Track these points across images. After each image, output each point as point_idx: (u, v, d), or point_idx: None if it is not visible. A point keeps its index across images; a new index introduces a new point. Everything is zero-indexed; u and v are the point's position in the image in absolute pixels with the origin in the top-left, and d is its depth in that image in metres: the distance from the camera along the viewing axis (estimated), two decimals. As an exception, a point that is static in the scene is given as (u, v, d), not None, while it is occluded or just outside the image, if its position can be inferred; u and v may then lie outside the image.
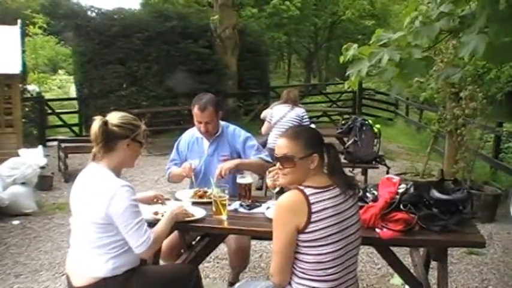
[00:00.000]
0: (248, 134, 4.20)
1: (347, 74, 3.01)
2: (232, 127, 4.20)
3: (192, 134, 4.20)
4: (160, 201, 3.47)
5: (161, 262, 3.60)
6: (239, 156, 4.08)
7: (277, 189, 3.26)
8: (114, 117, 2.90)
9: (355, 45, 3.02)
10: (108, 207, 2.70)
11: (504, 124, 8.68)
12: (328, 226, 2.40)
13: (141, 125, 3.02)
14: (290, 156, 2.53)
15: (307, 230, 2.38)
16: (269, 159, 4.00)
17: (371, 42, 3.01)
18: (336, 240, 2.42)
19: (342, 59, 3.10)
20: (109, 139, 2.84)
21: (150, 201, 3.43)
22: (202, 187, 3.88)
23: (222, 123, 4.14)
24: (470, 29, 2.64)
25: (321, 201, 2.42)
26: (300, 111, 7.45)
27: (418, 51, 2.82)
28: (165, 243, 3.61)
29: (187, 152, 4.17)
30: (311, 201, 2.40)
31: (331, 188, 2.50)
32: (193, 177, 3.92)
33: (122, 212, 2.71)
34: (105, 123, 2.84)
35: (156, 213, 3.23)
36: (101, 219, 2.72)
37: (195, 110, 3.94)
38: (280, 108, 7.54)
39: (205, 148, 4.11)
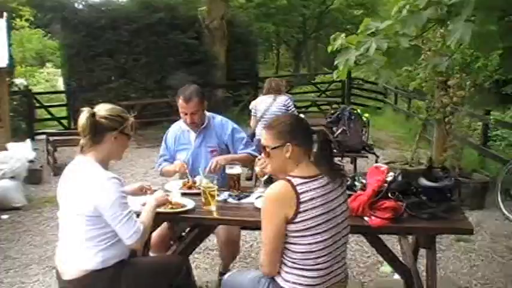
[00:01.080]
0: (235, 126, 4.20)
1: (335, 63, 3.02)
2: (219, 118, 4.20)
3: (178, 127, 4.19)
4: (148, 192, 3.44)
5: (151, 254, 3.60)
6: (226, 147, 4.09)
7: (265, 177, 3.30)
8: (102, 109, 2.88)
9: (343, 35, 3.03)
10: (96, 200, 2.70)
11: (492, 112, 8.72)
12: (317, 216, 2.41)
13: (130, 117, 3.00)
14: (264, 146, 2.60)
15: (295, 220, 2.38)
16: (256, 153, 4.02)
17: (359, 31, 3.02)
18: (325, 230, 2.43)
19: (329, 48, 3.10)
20: (96, 131, 2.82)
21: (137, 192, 3.41)
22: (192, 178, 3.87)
23: (208, 114, 4.13)
24: (458, 18, 2.64)
25: (309, 190, 2.42)
26: (283, 99, 7.43)
27: (405, 40, 2.84)
28: (155, 235, 3.62)
29: (174, 145, 4.16)
30: (299, 191, 2.40)
31: (320, 177, 2.50)
32: (188, 172, 3.89)
33: (110, 204, 2.70)
34: (93, 114, 2.82)
35: (144, 204, 3.20)
36: (89, 211, 2.72)
37: (180, 102, 3.93)
38: (263, 99, 7.53)
39: (191, 140, 4.10)
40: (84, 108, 2.86)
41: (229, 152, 4.10)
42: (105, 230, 2.77)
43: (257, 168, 3.16)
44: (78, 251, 2.79)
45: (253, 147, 4.22)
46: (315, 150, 2.52)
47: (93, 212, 2.72)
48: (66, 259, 2.87)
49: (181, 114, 4.01)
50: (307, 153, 2.56)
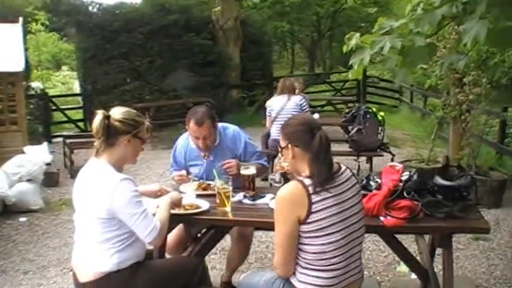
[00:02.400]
0: (247, 139, 4.10)
1: (350, 63, 3.01)
2: (230, 129, 4.07)
3: (186, 142, 4.07)
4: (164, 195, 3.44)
5: (167, 256, 3.61)
6: (239, 160, 4.00)
7: (278, 175, 3.34)
8: (117, 112, 2.90)
9: (358, 35, 3.02)
10: (111, 202, 2.71)
11: (509, 109, 8.63)
12: (330, 216, 2.40)
13: (145, 121, 3.02)
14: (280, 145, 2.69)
15: (308, 221, 2.38)
16: (268, 165, 4.02)
17: (373, 30, 3.01)
18: (339, 230, 2.42)
19: (344, 48, 3.10)
20: (110, 134, 2.84)
21: (154, 194, 3.39)
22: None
23: (219, 125, 3.98)
24: (472, 16, 2.63)
25: (321, 191, 2.41)
26: (297, 99, 7.42)
27: (420, 39, 2.82)
28: (171, 237, 3.62)
29: (186, 161, 4.07)
30: (310, 192, 2.40)
31: (334, 177, 2.49)
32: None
33: (125, 204, 2.72)
34: (107, 117, 2.83)
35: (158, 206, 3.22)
36: (103, 214, 2.74)
37: (191, 125, 3.78)
38: (278, 99, 7.52)
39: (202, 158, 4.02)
40: (98, 111, 2.87)
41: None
42: (120, 232, 2.79)
43: (278, 163, 3.17)
44: (94, 254, 2.81)
45: (265, 158, 4.20)
46: (313, 151, 2.50)
47: (107, 214, 2.73)
48: (82, 262, 2.88)
49: (193, 139, 3.90)
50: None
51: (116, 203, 2.71)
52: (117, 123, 2.85)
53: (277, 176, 3.55)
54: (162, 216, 2.96)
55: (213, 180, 3.66)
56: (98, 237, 2.78)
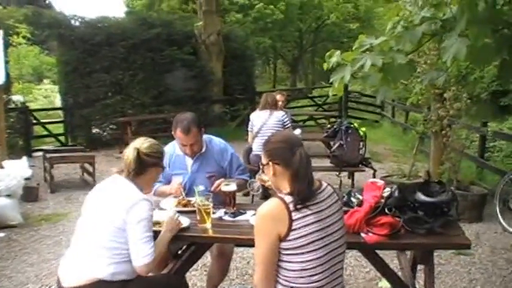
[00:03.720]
0: (233, 152, 4.12)
1: (330, 80, 3.02)
2: (216, 141, 4.10)
3: (172, 150, 4.06)
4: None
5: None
6: (224, 173, 4.02)
7: (260, 191, 3.37)
8: (144, 146, 3.09)
9: (338, 52, 3.03)
10: (127, 214, 2.83)
11: (489, 123, 8.73)
12: (310, 233, 2.38)
13: (164, 151, 3.31)
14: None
15: (288, 238, 2.36)
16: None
17: (354, 48, 3.02)
18: (319, 247, 2.40)
19: (325, 66, 3.11)
20: (141, 166, 3.04)
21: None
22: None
23: (204, 137, 4.01)
24: (451, 33, 2.65)
25: (301, 208, 2.40)
26: (279, 114, 7.39)
27: (401, 56, 2.84)
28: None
29: (169, 169, 4.04)
30: (291, 209, 2.39)
31: (315, 194, 2.49)
32: (183, 194, 3.83)
33: (137, 221, 2.84)
34: (138, 152, 3.02)
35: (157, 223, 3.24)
36: (118, 223, 2.83)
37: (178, 133, 3.82)
38: (260, 114, 7.48)
39: (188, 165, 4.01)
40: (130, 145, 3.10)
41: (225, 176, 4.00)
42: (124, 246, 2.86)
43: (262, 176, 3.17)
44: (93, 258, 2.85)
45: (248, 174, 4.20)
46: (293, 168, 2.49)
47: (121, 224, 2.83)
48: (76, 266, 2.91)
49: (180, 146, 3.92)
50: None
51: (130, 217, 2.83)
52: (146, 157, 3.06)
53: (256, 184, 3.55)
54: (159, 250, 3.00)
55: (194, 191, 3.64)
56: (104, 242, 2.85)
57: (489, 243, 5.95)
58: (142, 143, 3.11)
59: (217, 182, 3.80)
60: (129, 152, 3.03)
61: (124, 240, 2.84)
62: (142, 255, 2.83)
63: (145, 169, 3.05)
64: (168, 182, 4.03)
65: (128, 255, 2.86)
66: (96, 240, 2.87)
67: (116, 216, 2.84)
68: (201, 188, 3.53)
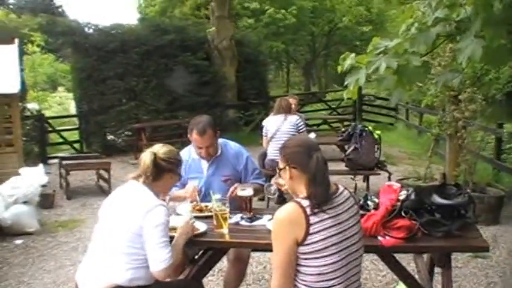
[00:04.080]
0: (249, 155, 4.14)
1: (345, 83, 3.01)
2: (231, 145, 4.13)
3: (188, 154, 4.08)
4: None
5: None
6: (240, 176, 4.04)
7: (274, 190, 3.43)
8: (161, 151, 3.13)
9: (353, 55, 3.02)
10: (144, 220, 2.84)
11: (505, 125, 8.66)
12: (328, 237, 2.38)
13: (181, 158, 3.33)
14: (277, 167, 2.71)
15: (306, 242, 2.36)
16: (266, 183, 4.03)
17: (368, 50, 3.01)
18: (337, 251, 2.40)
19: (339, 69, 3.10)
20: (158, 172, 3.06)
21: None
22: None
23: (220, 140, 4.04)
24: (467, 34, 2.63)
25: (319, 212, 2.40)
26: (294, 119, 7.40)
27: (416, 58, 2.82)
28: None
29: (185, 173, 4.02)
30: (308, 213, 2.39)
31: (332, 198, 2.48)
32: (198, 199, 3.83)
33: (154, 226, 2.85)
34: (155, 156, 3.04)
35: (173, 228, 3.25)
36: (135, 228, 2.85)
37: (194, 136, 3.85)
38: (274, 119, 7.50)
39: (203, 168, 4.03)
40: (147, 150, 3.14)
41: (241, 180, 4.02)
42: (141, 251, 2.87)
43: (279, 180, 3.16)
44: (110, 264, 2.88)
45: (264, 179, 4.22)
46: (310, 172, 2.49)
47: (138, 230, 2.85)
48: (94, 272, 2.93)
49: (195, 148, 3.95)
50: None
51: (147, 222, 2.84)
52: (162, 162, 3.08)
53: (272, 187, 3.55)
54: (175, 254, 2.99)
55: (210, 195, 3.68)
56: (121, 249, 2.87)
57: (506, 245, 5.90)
58: (159, 148, 3.14)
59: (233, 187, 3.81)
60: (146, 157, 3.05)
61: (141, 245, 2.86)
62: (159, 260, 2.83)
63: (161, 174, 3.06)
64: (184, 186, 4.04)
65: (146, 261, 2.87)
66: (113, 246, 2.89)
67: (132, 222, 2.85)
68: (218, 196, 3.53)
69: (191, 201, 3.86)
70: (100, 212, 3.09)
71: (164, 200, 3.41)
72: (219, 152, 4.00)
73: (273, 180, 3.46)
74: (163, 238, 2.87)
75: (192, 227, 3.26)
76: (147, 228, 2.83)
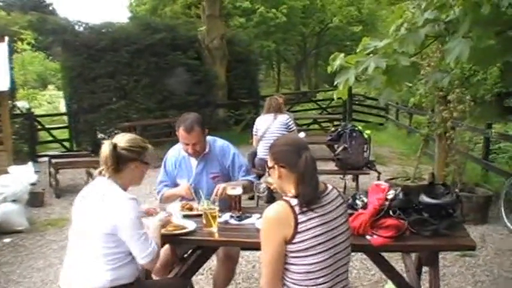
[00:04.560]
0: (236, 151, 4.12)
1: (335, 83, 3.03)
2: (220, 142, 4.12)
3: (177, 152, 4.10)
4: (154, 215, 3.45)
5: (154, 278, 3.58)
6: (228, 173, 4.04)
7: (266, 193, 3.36)
8: (123, 140, 3.00)
9: (342, 55, 3.03)
10: (116, 219, 2.78)
11: (493, 125, 8.71)
12: (316, 236, 2.40)
13: (148, 146, 3.12)
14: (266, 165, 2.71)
15: (294, 241, 2.38)
16: (257, 181, 4.04)
17: (358, 50, 3.03)
18: (325, 250, 2.41)
19: (329, 69, 3.11)
20: (119, 162, 2.93)
21: (143, 215, 3.40)
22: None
23: (208, 138, 4.04)
24: (455, 35, 2.66)
25: (307, 211, 2.41)
26: (283, 118, 7.39)
27: (405, 58, 2.84)
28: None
29: (175, 171, 4.08)
30: (297, 212, 2.40)
31: (320, 197, 2.50)
32: (194, 196, 3.82)
33: (129, 223, 2.79)
34: (115, 146, 2.93)
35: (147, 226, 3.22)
36: (106, 229, 2.78)
37: (181, 132, 3.84)
38: (264, 118, 7.50)
39: (193, 166, 4.02)
40: (105, 141, 2.99)
41: (229, 177, 4.03)
42: (117, 250, 2.82)
43: (268, 179, 3.16)
44: (89, 269, 2.83)
45: (254, 175, 4.22)
46: (299, 171, 2.50)
47: (111, 230, 2.78)
48: (73, 277, 2.89)
49: (183, 145, 3.93)
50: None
51: (120, 221, 2.78)
52: (123, 151, 2.96)
53: (262, 186, 3.57)
54: (156, 239, 2.99)
55: (199, 193, 3.70)
56: (96, 251, 2.81)
57: (494, 245, 5.94)
58: (121, 137, 3.05)
59: (221, 187, 3.79)
60: (105, 147, 2.94)
61: (117, 244, 2.81)
62: (144, 254, 2.82)
63: (123, 164, 2.95)
64: (174, 184, 4.05)
65: (122, 259, 2.84)
66: (88, 250, 2.84)
67: (103, 223, 2.79)
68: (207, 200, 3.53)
69: (187, 200, 3.87)
70: (72, 214, 3.01)
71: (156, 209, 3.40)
72: (207, 149, 4.00)
73: (262, 179, 3.46)
74: (141, 230, 2.84)
75: (169, 218, 3.29)
76: (122, 227, 2.78)
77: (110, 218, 2.77)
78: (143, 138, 3.15)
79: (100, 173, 2.98)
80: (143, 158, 3.03)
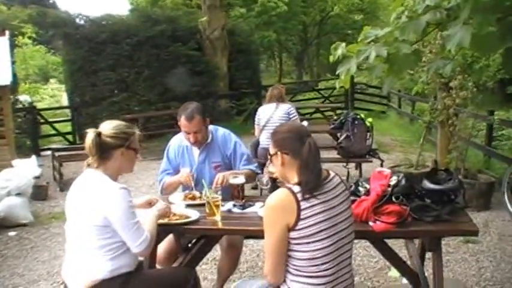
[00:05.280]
0: (237, 140, 4.13)
1: (337, 72, 3.03)
2: (221, 131, 4.13)
3: (179, 141, 4.11)
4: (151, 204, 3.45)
5: (158, 267, 3.60)
6: (230, 162, 4.06)
7: (269, 185, 3.34)
8: (107, 128, 2.94)
9: (343, 44, 3.03)
10: (107, 210, 2.75)
11: (496, 112, 8.70)
12: (318, 222, 2.41)
13: (135, 131, 3.05)
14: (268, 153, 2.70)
15: (297, 228, 2.39)
16: (259, 170, 4.08)
17: (359, 39, 3.03)
18: (327, 236, 2.43)
19: (331, 58, 3.11)
20: (103, 150, 2.88)
21: (145, 206, 3.40)
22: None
23: (210, 127, 4.05)
24: (456, 21, 2.65)
25: (309, 197, 2.42)
26: (286, 107, 7.37)
27: (406, 46, 2.83)
28: (161, 248, 3.61)
29: (178, 160, 4.09)
30: (299, 198, 2.41)
31: (323, 184, 2.51)
32: (192, 184, 3.85)
33: (120, 213, 2.76)
34: (99, 134, 2.88)
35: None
36: (98, 221, 2.76)
37: (182, 121, 3.85)
38: (266, 108, 7.49)
39: (195, 156, 4.04)
40: (89, 130, 2.92)
41: (231, 166, 4.05)
42: (113, 240, 2.81)
43: (270, 168, 3.17)
44: (87, 261, 2.83)
45: (255, 164, 4.23)
46: (303, 158, 2.51)
47: (103, 221, 2.76)
48: (74, 271, 2.89)
49: (184, 134, 3.95)
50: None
51: (112, 211, 2.75)
52: (108, 139, 2.90)
53: (264, 178, 3.57)
54: (151, 227, 2.98)
55: (201, 184, 3.69)
56: (91, 244, 2.81)
57: (497, 231, 5.96)
58: (105, 125, 2.98)
59: (220, 176, 3.81)
60: (88, 137, 2.87)
61: (111, 234, 2.80)
62: (138, 243, 2.80)
63: (109, 152, 2.90)
64: (176, 173, 4.07)
65: (121, 247, 2.83)
66: (84, 243, 2.83)
67: (95, 217, 2.77)
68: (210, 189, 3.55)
69: (185, 187, 3.89)
70: (65, 208, 2.99)
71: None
72: (210, 139, 4.02)
73: (264, 169, 3.46)
74: (133, 220, 2.81)
75: (167, 208, 3.29)
76: (114, 217, 2.76)
77: (101, 210, 2.75)
78: (130, 124, 3.10)
79: (88, 164, 2.93)
80: (130, 144, 2.97)
